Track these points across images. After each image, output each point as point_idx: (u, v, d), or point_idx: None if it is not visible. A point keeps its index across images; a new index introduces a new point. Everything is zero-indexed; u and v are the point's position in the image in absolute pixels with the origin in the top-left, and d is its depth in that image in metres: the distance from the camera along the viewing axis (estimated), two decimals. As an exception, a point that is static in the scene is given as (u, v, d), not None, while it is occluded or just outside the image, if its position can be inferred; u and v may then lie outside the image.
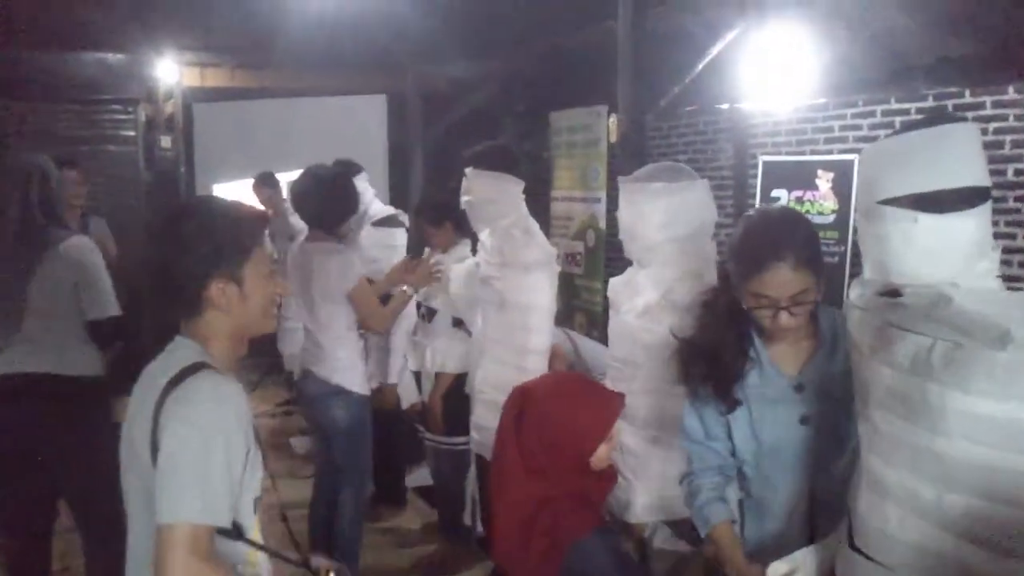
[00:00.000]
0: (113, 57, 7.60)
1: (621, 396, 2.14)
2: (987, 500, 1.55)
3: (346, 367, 3.69)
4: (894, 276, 1.69)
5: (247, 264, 1.77)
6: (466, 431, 3.80)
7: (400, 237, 4.84)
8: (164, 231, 1.76)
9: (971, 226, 1.66)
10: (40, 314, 3.15)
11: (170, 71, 7.66)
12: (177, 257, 1.72)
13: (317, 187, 3.73)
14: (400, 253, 4.82)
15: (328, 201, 3.73)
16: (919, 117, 1.89)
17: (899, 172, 1.69)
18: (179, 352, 1.74)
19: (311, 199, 3.74)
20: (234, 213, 1.80)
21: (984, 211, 1.68)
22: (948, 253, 1.66)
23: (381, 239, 4.74)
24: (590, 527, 2.03)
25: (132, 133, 7.97)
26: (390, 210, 4.93)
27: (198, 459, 1.59)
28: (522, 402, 2.09)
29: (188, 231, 1.73)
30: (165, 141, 7.80)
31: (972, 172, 1.68)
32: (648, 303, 2.64)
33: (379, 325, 3.80)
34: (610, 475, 2.13)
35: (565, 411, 2.05)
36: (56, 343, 3.17)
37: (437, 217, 4.12)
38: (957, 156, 1.68)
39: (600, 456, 2.06)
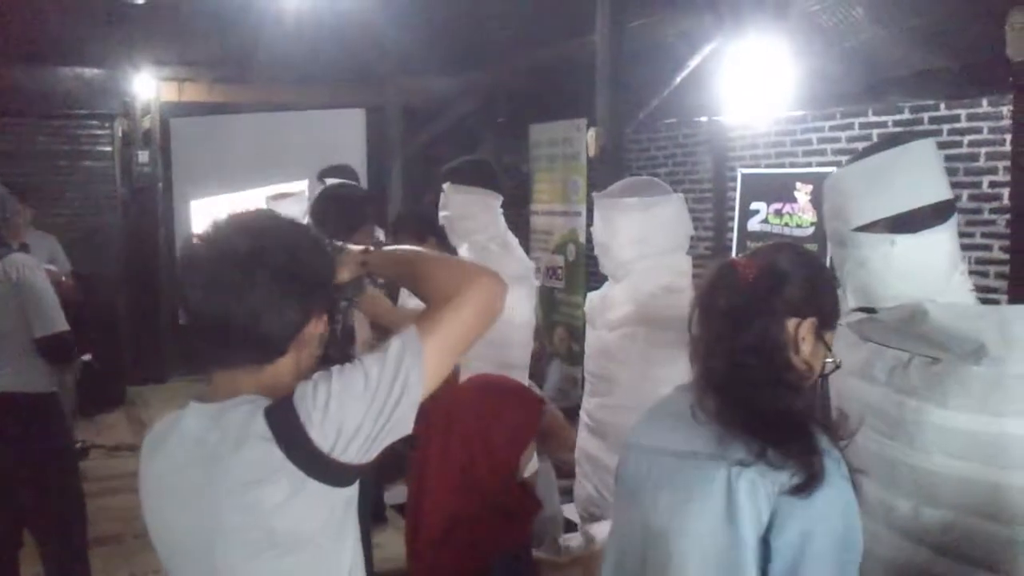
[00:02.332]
0: (90, 72, 7.56)
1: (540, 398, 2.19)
2: (964, 514, 1.56)
3: None
4: (878, 300, 1.69)
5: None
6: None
7: None
8: (251, 265, 1.35)
9: (944, 239, 1.68)
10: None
11: (147, 86, 7.61)
12: (281, 293, 1.36)
13: (329, 207, 3.77)
14: None
15: (338, 219, 3.76)
16: (880, 138, 1.89)
17: (869, 197, 1.69)
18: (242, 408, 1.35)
19: (327, 219, 3.77)
20: (310, 231, 1.50)
21: (953, 223, 1.69)
22: (927, 270, 1.67)
23: None
24: (511, 545, 2.04)
25: (109, 148, 7.91)
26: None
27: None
28: (448, 414, 2.09)
29: (293, 262, 1.38)
30: (142, 156, 7.74)
31: (938, 187, 1.70)
32: (622, 317, 2.62)
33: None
34: (532, 491, 2.15)
35: (495, 414, 2.07)
36: (4, 361, 3.16)
37: (421, 232, 4.09)
38: (923, 173, 1.69)
39: (528, 453, 2.10)
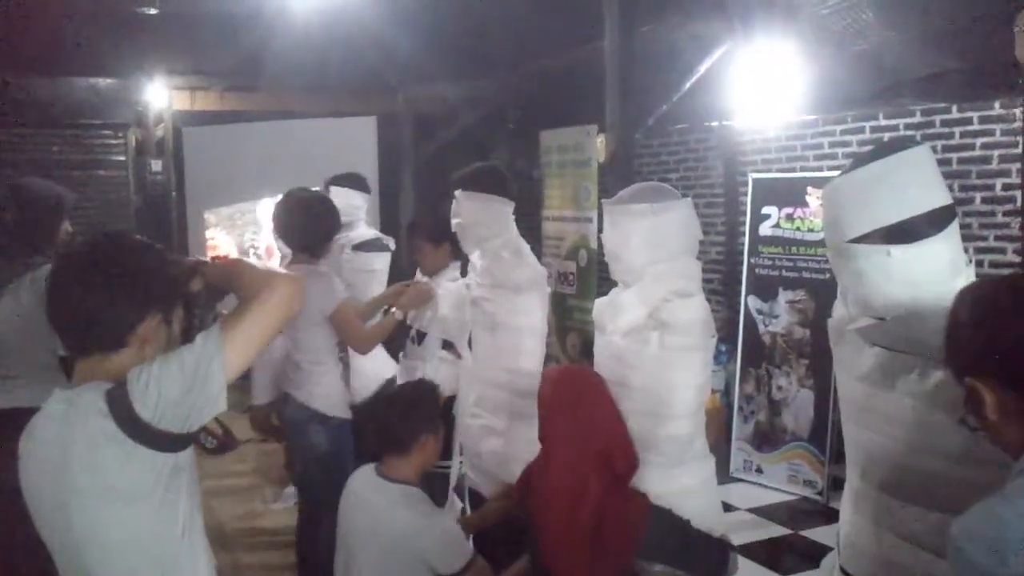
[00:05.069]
0: (103, 82, 7.62)
1: None
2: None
3: (325, 392, 3.67)
4: (878, 310, 1.69)
5: (177, 307, 1.81)
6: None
7: (380, 261, 4.80)
8: (85, 271, 1.71)
9: (943, 248, 1.66)
10: (7, 346, 3.09)
11: (160, 95, 7.66)
12: (111, 294, 1.68)
13: (296, 211, 3.71)
14: (380, 278, 4.78)
15: (308, 225, 3.71)
16: (871, 148, 1.87)
17: (863, 208, 1.69)
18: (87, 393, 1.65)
19: (291, 224, 3.72)
20: (153, 246, 1.83)
21: (953, 230, 1.68)
22: (926, 279, 1.65)
23: (360, 263, 4.71)
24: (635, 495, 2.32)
25: (122, 158, 7.96)
26: (373, 234, 4.89)
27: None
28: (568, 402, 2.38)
29: (125, 270, 1.71)
30: (155, 165, 7.78)
31: (934, 195, 1.68)
32: (633, 322, 2.61)
33: (363, 347, 3.78)
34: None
35: (599, 396, 2.39)
36: (29, 376, 3.07)
37: (438, 236, 4.08)
38: (916, 182, 1.68)
39: None
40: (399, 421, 2.71)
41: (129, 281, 1.70)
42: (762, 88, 4.95)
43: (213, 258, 2.22)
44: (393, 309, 3.83)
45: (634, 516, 2.27)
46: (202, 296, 1.91)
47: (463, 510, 4.02)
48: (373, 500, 2.67)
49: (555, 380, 2.53)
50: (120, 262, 1.72)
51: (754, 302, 5.53)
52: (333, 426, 3.65)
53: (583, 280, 7.16)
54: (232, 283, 1.86)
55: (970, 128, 4.46)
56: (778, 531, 4.74)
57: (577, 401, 2.39)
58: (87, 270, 1.70)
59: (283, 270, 1.88)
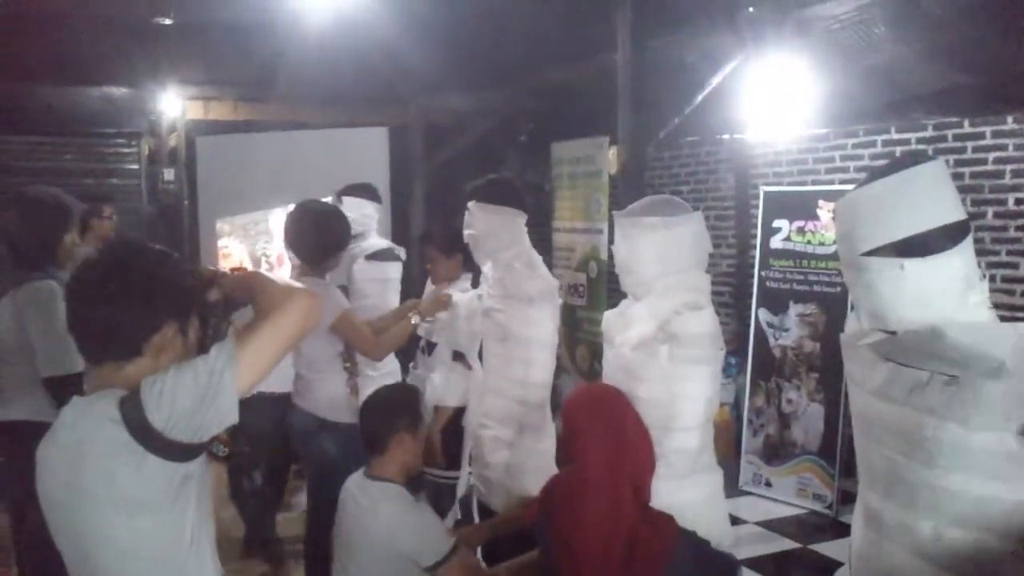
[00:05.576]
0: (117, 91, 7.65)
1: None
2: (986, 535, 1.53)
3: (329, 398, 3.68)
4: (891, 324, 1.68)
5: (193, 317, 1.81)
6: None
7: (394, 271, 4.81)
8: (103, 279, 1.70)
9: (957, 263, 1.66)
10: (3, 360, 3.08)
11: (173, 104, 7.68)
12: (127, 303, 1.68)
13: (305, 223, 3.73)
14: (394, 287, 4.79)
15: (317, 237, 3.72)
16: (886, 162, 1.88)
17: (876, 222, 1.69)
18: (103, 399, 1.65)
19: (300, 235, 3.74)
20: (171, 256, 1.82)
21: (967, 244, 1.68)
22: (939, 294, 1.65)
23: (374, 273, 4.72)
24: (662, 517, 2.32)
25: (135, 166, 7.99)
26: (385, 243, 4.91)
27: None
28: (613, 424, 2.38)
29: (142, 280, 1.71)
30: (168, 174, 7.80)
31: (947, 210, 1.68)
32: (643, 335, 2.61)
33: (376, 353, 3.79)
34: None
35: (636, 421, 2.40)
36: (17, 389, 3.04)
37: (450, 246, 4.09)
38: (929, 197, 1.68)
39: None
40: (377, 420, 2.78)
41: (145, 290, 1.69)
42: (773, 101, 4.95)
43: (232, 269, 2.21)
44: (410, 314, 3.84)
45: (664, 539, 2.25)
46: (218, 307, 1.91)
47: (461, 520, 4.02)
48: (359, 501, 2.72)
49: (587, 399, 2.52)
50: (137, 271, 1.71)
51: (764, 315, 5.52)
52: (340, 432, 3.67)
53: (593, 292, 7.15)
54: (250, 296, 1.85)
55: (982, 143, 4.46)
56: (787, 545, 4.72)
57: (613, 423, 2.40)
58: (104, 278, 1.69)
59: (301, 285, 1.85)
